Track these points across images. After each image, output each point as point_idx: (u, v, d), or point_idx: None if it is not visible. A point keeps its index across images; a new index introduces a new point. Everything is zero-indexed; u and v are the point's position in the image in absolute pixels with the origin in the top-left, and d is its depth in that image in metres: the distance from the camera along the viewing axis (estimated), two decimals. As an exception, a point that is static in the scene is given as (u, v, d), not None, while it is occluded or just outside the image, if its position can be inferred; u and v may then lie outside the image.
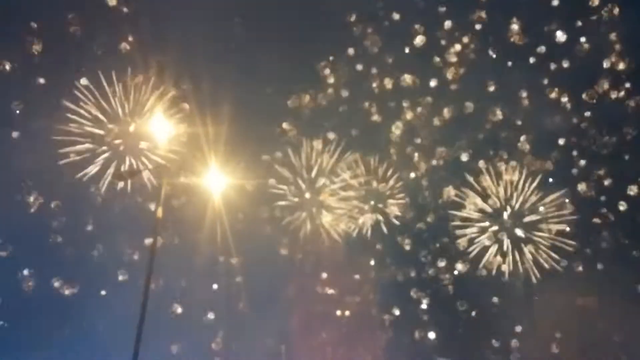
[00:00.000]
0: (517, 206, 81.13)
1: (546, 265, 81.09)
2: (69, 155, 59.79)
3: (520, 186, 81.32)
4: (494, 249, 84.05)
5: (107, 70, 60.86)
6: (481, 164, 74.26)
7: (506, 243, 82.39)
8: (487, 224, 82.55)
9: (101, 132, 60.36)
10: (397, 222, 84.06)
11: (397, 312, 75.27)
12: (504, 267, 78.38)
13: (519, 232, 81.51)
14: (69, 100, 58.09)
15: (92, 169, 62.74)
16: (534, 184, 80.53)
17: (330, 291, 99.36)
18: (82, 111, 59.63)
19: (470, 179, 75.20)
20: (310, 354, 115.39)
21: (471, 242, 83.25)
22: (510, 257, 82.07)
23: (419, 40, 64.98)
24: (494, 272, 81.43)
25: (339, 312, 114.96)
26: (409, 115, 72.49)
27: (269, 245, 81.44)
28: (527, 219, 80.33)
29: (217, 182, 30.09)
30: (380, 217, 78.90)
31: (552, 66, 67.04)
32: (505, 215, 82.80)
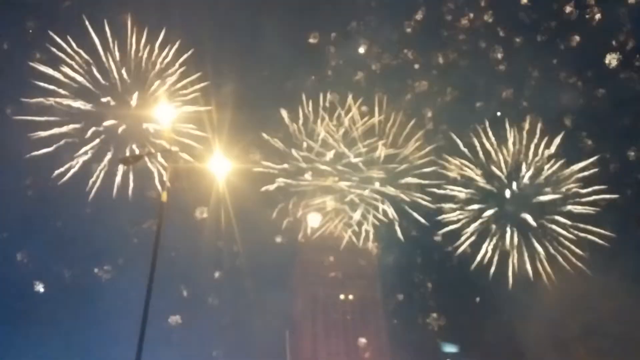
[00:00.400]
0: (525, 180, 67.48)
1: (566, 266, 66.59)
2: (40, 143, 50.68)
3: (531, 151, 67.41)
4: (489, 241, 74.03)
5: (97, 21, 51.61)
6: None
7: (509, 233, 71.07)
8: (480, 206, 73.03)
9: (88, 106, 51.86)
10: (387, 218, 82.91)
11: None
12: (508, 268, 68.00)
13: (527, 217, 67.51)
14: (39, 61, 47.42)
15: (75, 165, 54.72)
16: (553, 147, 65.20)
17: (333, 274, 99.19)
18: (61, 77, 49.38)
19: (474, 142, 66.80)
20: (312, 333, 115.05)
21: (458, 233, 75.88)
22: (515, 253, 71.04)
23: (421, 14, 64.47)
24: (490, 275, 74.70)
25: (342, 296, 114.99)
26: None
27: (271, 229, 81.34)
28: (538, 198, 66.57)
29: (222, 166, 29.87)
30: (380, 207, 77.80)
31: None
32: (508, 192, 69.03)
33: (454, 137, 70.30)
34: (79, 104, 58.49)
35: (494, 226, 77.04)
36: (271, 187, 77.32)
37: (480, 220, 74.36)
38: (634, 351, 68.39)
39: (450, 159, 72.67)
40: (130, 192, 65.32)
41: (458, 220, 76.63)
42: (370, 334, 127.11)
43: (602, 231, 69.32)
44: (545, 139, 69.88)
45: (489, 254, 76.33)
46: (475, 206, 74.55)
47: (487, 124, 68.78)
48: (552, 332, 76.83)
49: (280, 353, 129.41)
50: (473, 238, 75.53)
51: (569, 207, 69.22)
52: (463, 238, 75.24)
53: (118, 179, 63.25)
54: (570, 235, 70.27)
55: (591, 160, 67.33)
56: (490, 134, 72.38)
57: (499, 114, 74.46)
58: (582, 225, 70.55)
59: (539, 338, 77.81)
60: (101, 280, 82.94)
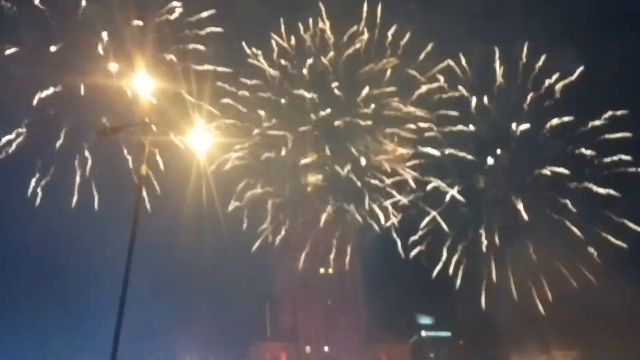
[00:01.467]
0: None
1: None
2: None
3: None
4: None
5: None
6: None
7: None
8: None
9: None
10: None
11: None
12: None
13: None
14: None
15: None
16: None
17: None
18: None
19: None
20: (292, 305, 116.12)
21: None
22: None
23: None
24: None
25: (322, 270, 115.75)
26: None
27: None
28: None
29: (202, 139, 29.94)
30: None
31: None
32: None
33: None
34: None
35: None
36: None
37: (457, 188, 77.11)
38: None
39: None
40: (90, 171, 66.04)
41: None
42: (348, 307, 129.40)
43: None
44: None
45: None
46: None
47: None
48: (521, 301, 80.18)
49: (260, 324, 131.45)
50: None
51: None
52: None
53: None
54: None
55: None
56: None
57: None
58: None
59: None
60: (80, 251, 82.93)
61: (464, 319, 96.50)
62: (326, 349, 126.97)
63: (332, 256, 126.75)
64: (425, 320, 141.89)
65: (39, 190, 72.29)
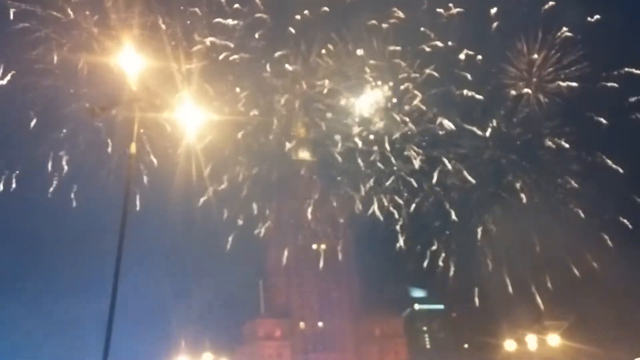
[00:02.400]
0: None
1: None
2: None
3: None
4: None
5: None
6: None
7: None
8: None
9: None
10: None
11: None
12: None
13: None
14: None
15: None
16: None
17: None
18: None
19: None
20: (286, 282, 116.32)
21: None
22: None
23: None
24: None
25: (315, 246, 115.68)
26: None
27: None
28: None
29: (192, 116, 29.41)
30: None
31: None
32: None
33: None
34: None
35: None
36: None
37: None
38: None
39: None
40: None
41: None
42: (342, 282, 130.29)
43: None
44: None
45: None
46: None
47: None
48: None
49: (254, 302, 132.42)
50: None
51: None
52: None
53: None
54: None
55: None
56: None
57: None
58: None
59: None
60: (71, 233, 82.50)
61: (457, 292, 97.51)
62: (320, 324, 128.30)
63: (325, 232, 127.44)
64: (418, 293, 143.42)
65: (12, 178, 68.92)
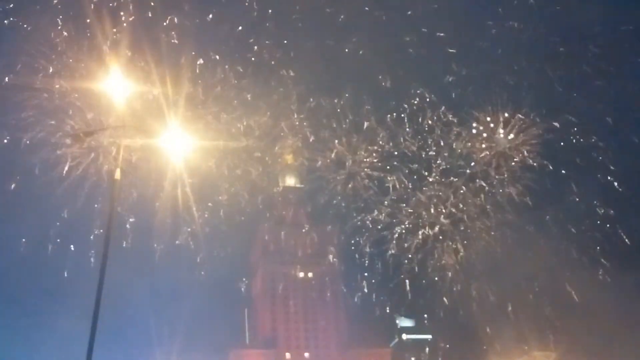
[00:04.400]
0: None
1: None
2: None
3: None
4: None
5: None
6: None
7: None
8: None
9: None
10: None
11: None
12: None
13: None
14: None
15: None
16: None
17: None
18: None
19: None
20: (271, 311, 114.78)
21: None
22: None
23: None
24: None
25: (302, 274, 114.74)
26: None
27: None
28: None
29: (178, 143, 29.16)
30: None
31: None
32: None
33: None
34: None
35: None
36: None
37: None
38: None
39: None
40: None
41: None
42: (329, 312, 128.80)
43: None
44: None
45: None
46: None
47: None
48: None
49: (240, 331, 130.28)
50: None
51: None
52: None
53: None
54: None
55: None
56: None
57: None
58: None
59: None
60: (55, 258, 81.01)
61: (445, 322, 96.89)
62: (307, 354, 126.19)
63: (311, 260, 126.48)
64: (405, 323, 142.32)
65: None
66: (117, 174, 24.71)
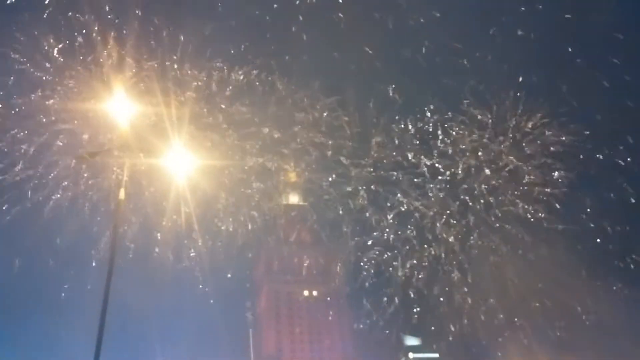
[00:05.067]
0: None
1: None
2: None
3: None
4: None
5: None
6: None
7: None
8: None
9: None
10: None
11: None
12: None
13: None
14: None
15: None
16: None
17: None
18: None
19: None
20: (276, 331, 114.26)
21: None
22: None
23: None
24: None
25: (306, 293, 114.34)
26: None
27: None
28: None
29: (182, 162, 29.28)
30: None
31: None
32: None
33: None
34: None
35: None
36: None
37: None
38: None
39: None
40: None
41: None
42: (334, 330, 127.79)
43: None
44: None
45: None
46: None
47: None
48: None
49: (244, 351, 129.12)
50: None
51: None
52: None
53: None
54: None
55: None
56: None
57: None
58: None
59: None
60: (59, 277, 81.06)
61: (451, 339, 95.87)
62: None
63: (316, 279, 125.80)
64: (412, 341, 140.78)
65: None
66: (122, 194, 24.79)
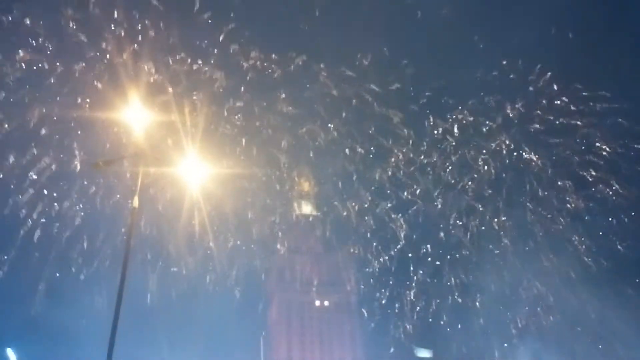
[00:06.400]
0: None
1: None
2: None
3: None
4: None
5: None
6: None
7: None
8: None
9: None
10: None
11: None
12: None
13: None
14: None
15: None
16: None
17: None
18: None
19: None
20: (287, 338, 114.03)
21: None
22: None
23: None
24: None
25: (318, 302, 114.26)
26: None
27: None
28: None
29: (196, 171, 29.40)
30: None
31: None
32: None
33: None
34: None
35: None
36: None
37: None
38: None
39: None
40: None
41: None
42: (344, 340, 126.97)
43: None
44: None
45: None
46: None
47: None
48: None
49: (255, 357, 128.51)
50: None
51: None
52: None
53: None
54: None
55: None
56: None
57: None
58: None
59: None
60: (74, 283, 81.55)
61: (464, 352, 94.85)
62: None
63: (328, 289, 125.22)
64: (423, 353, 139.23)
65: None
66: (135, 202, 24.86)
